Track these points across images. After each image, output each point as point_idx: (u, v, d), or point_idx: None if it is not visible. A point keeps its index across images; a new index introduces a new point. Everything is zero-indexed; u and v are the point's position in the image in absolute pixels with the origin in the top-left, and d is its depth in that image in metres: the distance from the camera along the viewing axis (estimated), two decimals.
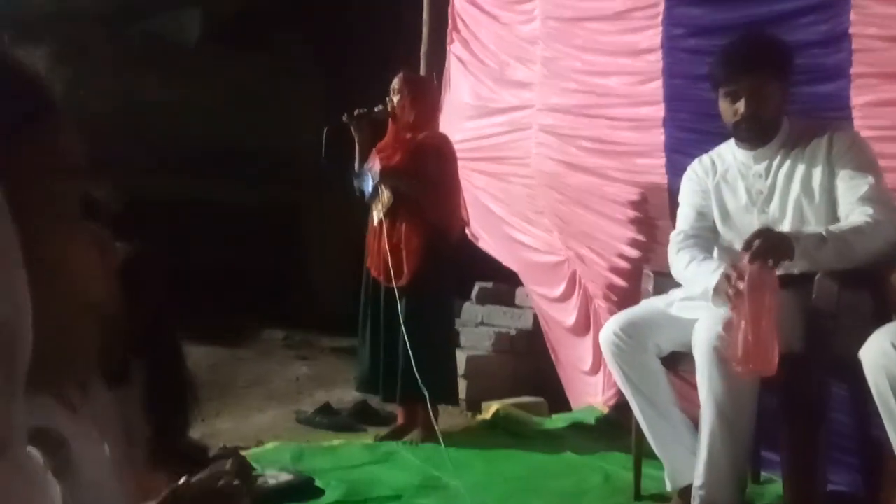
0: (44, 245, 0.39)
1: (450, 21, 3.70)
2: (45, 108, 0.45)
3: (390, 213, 2.79)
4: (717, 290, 1.82)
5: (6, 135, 0.41)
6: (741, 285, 1.69)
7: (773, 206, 1.96)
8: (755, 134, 1.97)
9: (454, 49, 3.70)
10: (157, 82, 4.85)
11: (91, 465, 0.91)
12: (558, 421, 3.02)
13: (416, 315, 2.70)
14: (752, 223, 1.98)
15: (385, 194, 2.80)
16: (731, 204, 2.04)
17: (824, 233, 1.78)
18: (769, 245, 1.71)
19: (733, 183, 2.04)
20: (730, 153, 2.07)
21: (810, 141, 1.93)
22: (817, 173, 1.90)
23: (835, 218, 1.89)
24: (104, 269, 0.44)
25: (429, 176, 2.76)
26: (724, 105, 1.98)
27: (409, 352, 2.62)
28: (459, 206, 2.90)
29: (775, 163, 1.97)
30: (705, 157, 2.13)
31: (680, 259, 2.02)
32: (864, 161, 1.88)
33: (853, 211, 1.83)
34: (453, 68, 3.69)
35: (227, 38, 5.16)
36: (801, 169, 1.93)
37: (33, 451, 0.42)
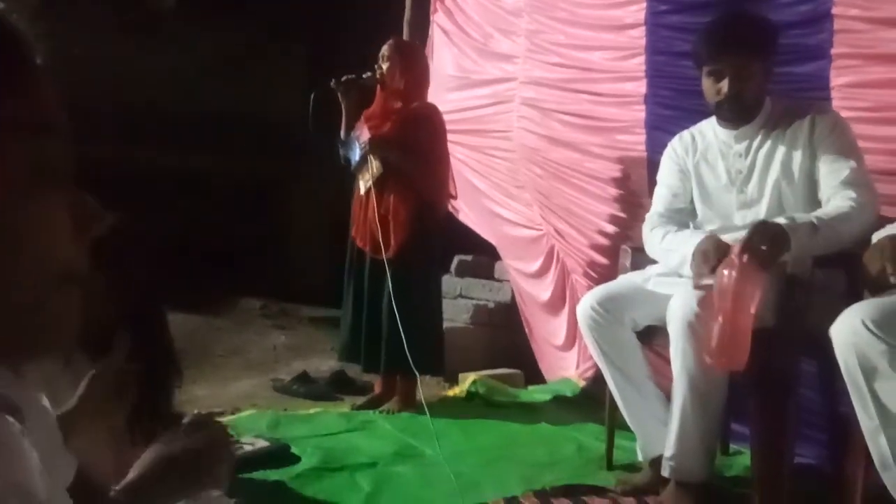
0: (10, 209, 0.38)
1: None
2: (21, 58, 0.42)
3: (378, 183, 2.74)
4: (696, 254, 1.83)
5: None
6: (726, 275, 1.68)
7: (752, 186, 1.97)
8: (737, 114, 1.97)
9: (438, 19, 3.66)
10: (134, 49, 4.73)
11: (40, 434, 0.90)
12: (534, 392, 3.07)
13: (402, 287, 2.68)
14: (731, 202, 2.00)
15: (374, 164, 2.75)
16: (711, 183, 2.05)
17: (815, 221, 1.77)
18: (768, 238, 1.70)
19: (713, 162, 2.04)
20: (711, 130, 2.07)
21: (791, 122, 1.93)
22: (798, 155, 1.91)
23: (814, 201, 1.90)
24: (80, 236, 0.42)
25: (419, 147, 2.72)
26: (707, 84, 1.98)
27: (398, 323, 2.60)
28: (448, 178, 2.86)
29: (755, 142, 1.98)
30: (685, 134, 2.13)
31: (654, 235, 2.05)
32: (845, 144, 1.89)
33: (835, 195, 1.84)
34: (437, 38, 3.65)
35: (206, 4, 5.03)
36: (781, 150, 1.94)
37: (8, 419, 0.41)
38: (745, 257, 1.68)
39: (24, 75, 0.41)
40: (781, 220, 1.77)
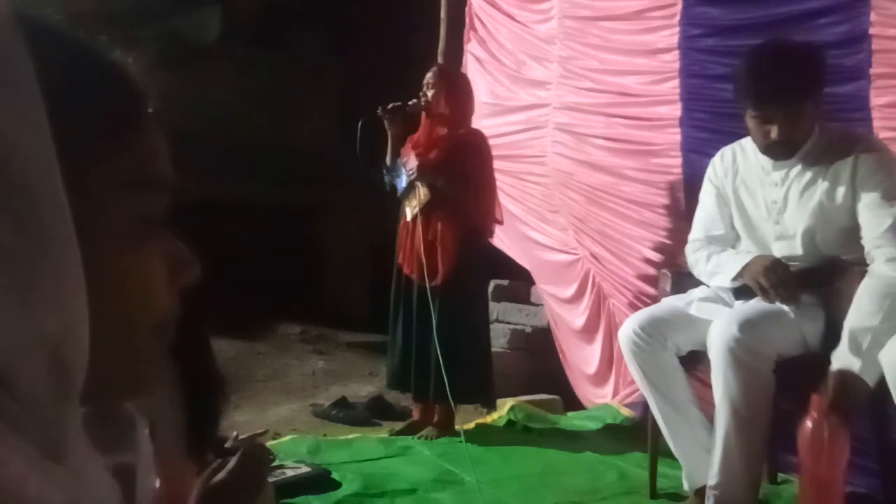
0: (114, 261, 0.38)
1: (467, 20, 3.72)
2: (137, 113, 0.42)
3: (425, 210, 2.75)
4: (742, 275, 1.80)
5: (93, 137, 0.39)
6: (810, 428, 1.62)
7: (787, 218, 1.91)
8: (788, 154, 1.87)
9: (471, 48, 3.72)
10: (177, 82, 4.90)
11: (146, 447, 0.94)
12: (574, 419, 3.04)
13: (450, 315, 2.67)
14: (768, 232, 1.95)
15: (421, 191, 2.75)
16: (751, 210, 1.99)
17: (877, 322, 1.68)
18: (849, 392, 1.65)
19: (752, 188, 1.98)
20: (752, 150, 1.98)
21: (836, 158, 1.83)
22: (839, 194, 1.83)
23: (851, 241, 1.83)
24: (173, 284, 0.42)
25: (467, 173, 2.72)
26: (752, 124, 1.87)
27: (443, 353, 2.59)
28: (495, 203, 2.85)
29: (793, 172, 1.90)
30: (727, 151, 2.05)
31: (699, 258, 2.03)
32: (890, 187, 1.78)
33: (878, 249, 1.76)
34: (470, 67, 3.70)
35: (247, 37, 5.20)
36: (820, 185, 1.86)
37: (95, 455, 0.42)
38: (832, 416, 1.62)
39: (135, 131, 0.41)
40: (855, 363, 1.65)
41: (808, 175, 1.88)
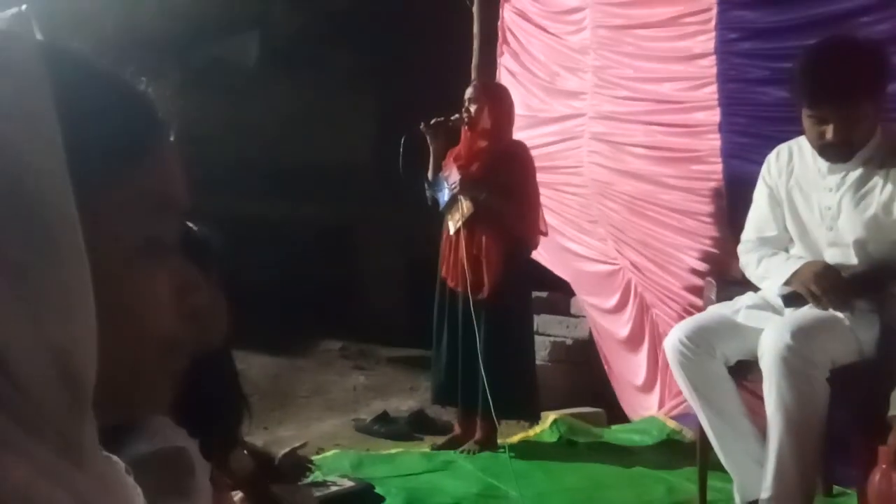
0: (116, 281, 0.39)
1: (499, 34, 3.74)
2: (153, 138, 0.43)
3: (469, 223, 2.74)
4: (792, 281, 1.74)
5: (106, 159, 0.39)
6: (878, 478, 1.50)
7: (842, 224, 1.83)
8: (844, 156, 1.78)
9: (504, 61, 3.73)
10: (217, 105, 5.04)
11: (205, 489, 0.96)
12: (618, 432, 2.99)
13: (496, 328, 2.67)
14: (822, 238, 1.88)
15: (464, 204, 2.75)
16: (805, 214, 1.91)
17: None
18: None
19: (807, 192, 1.89)
20: (809, 150, 1.87)
21: (894, 163, 1.76)
22: (893, 208, 1.75)
23: None
24: (181, 306, 0.43)
25: (510, 185, 2.72)
26: (807, 125, 1.78)
27: (490, 367, 2.58)
28: (539, 215, 2.83)
29: (849, 178, 1.80)
30: (784, 150, 1.95)
31: (750, 260, 1.97)
32: None
33: None
34: (503, 80, 3.71)
35: (285, 59, 5.31)
36: (878, 196, 1.77)
37: (113, 458, 0.43)
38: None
39: (150, 156, 0.42)
40: None
41: (865, 183, 1.79)
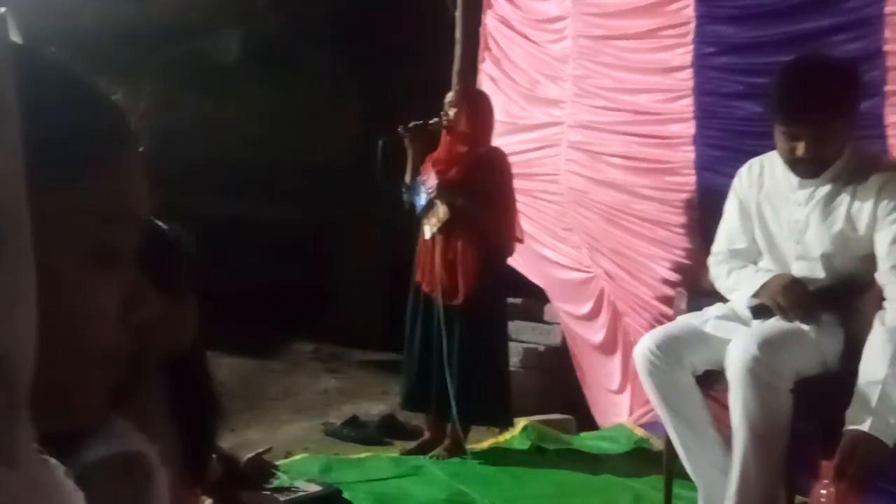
0: (57, 291, 0.38)
1: (481, 40, 3.75)
2: (119, 147, 0.42)
3: (445, 228, 2.74)
4: (760, 293, 1.77)
5: (63, 164, 0.39)
6: (824, 495, 1.56)
7: (809, 238, 1.85)
8: (814, 172, 1.80)
9: (486, 67, 3.74)
10: (196, 101, 4.98)
11: (163, 495, 0.94)
12: (587, 439, 3.00)
13: (471, 335, 2.66)
14: (789, 252, 1.90)
15: (440, 209, 2.74)
16: (774, 228, 1.93)
17: (883, 375, 1.61)
18: (865, 455, 1.57)
19: (776, 205, 1.91)
20: (780, 165, 1.89)
21: (862, 180, 1.77)
22: (862, 224, 1.76)
23: (873, 267, 1.77)
24: (127, 318, 0.42)
25: (487, 192, 2.72)
26: (779, 140, 1.80)
27: (463, 373, 2.58)
28: (515, 222, 2.84)
29: (818, 193, 1.82)
30: (755, 163, 1.98)
31: (720, 273, 1.99)
32: None
33: (889, 283, 1.71)
34: (485, 86, 3.72)
35: (266, 58, 5.28)
36: (844, 212, 1.79)
37: (51, 461, 0.42)
38: (841, 483, 1.55)
39: (108, 164, 0.41)
40: (865, 420, 1.59)
41: (833, 198, 1.81)
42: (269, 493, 1.94)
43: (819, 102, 1.71)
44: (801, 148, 1.75)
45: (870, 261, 1.80)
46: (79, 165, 0.40)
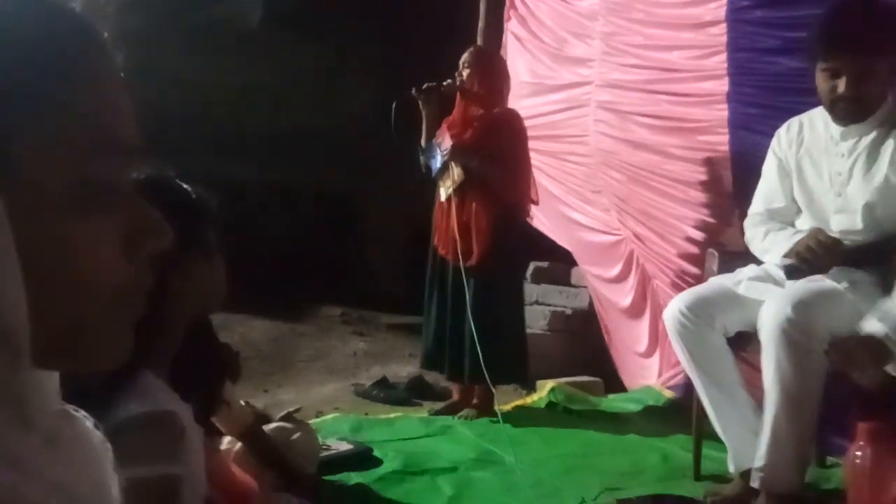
0: (51, 227, 0.36)
1: None
2: (85, 68, 0.38)
3: (459, 190, 2.74)
4: (792, 253, 1.76)
5: (29, 94, 0.36)
6: (859, 456, 1.59)
7: (851, 190, 1.83)
8: (854, 115, 1.79)
9: (511, 26, 3.67)
10: (220, 66, 4.97)
11: (197, 451, 0.96)
12: (615, 401, 3.01)
13: (485, 296, 2.67)
14: (829, 205, 1.88)
15: (455, 171, 2.74)
16: (813, 181, 1.91)
17: None
18: (867, 352, 1.60)
19: (817, 159, 1.90)
20: (821, 121, 1.89)
21: None
22: None
23: None
24: (137, 254, 0.40)
25: (501, 153, 2.71)
26: (820, 79, 1.79)
27: (478, 333, 2.59)
28: (530, 184, 2.82)
29: (862, 143, 1.80)
30: (794, 122, 1.97)
31: (756, 232, 1.98)
32: None
33: None
34: (510, 46, 3.66)
35: (288, 22, 5.23)
36: (886, 158, 1.77)
37: (79, 414, 0.41)
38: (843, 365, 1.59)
39: (82, 89, 0.38)
40: (880, 328, 1.63)
41: (878, 146, 1.80)
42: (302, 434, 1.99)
43: (861, 35, 1.71)
44: (842, 84, 1.74)
45: None
46: (44, 91, 0.36)
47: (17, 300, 0.33)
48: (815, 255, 1.75)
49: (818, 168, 1.90)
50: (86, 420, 0.43)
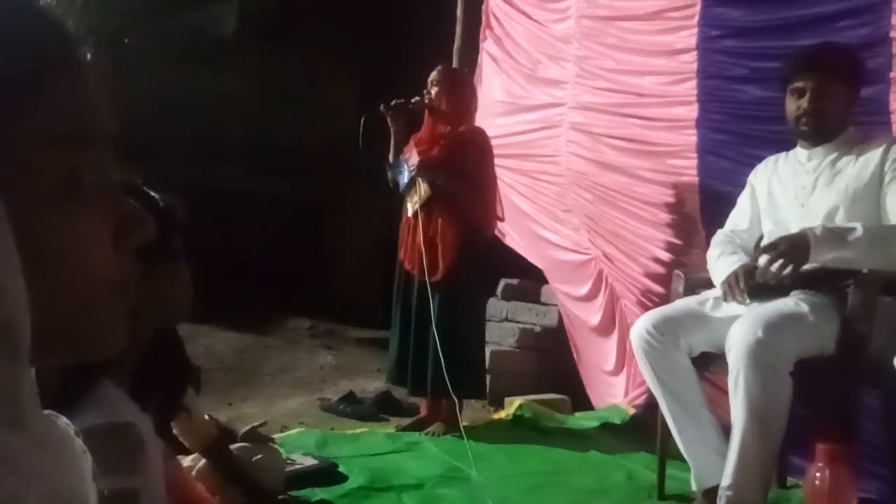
0: (43, 219, 0.37)
1: (483, 18, 3.71)
2: (62, 61, 0.39)
3: (426, 206, 2.77)
4: (724, 281, 1.92)
5: (8, 89, 0.36)
6: (818, 477, 1.68)
7: (813, 201, 1.97)
8: (815, 131, 1.98)
9: (487, 46, 3.71)
10: (193, 74, 4.93)
11: (156, 464, 0.94)
12: (581, 419, 3.03)
13: (448, 311, 2.70)
14: (792, 217, 2.00)
15: (422, 187, 2.78)
16: (779, 196, 2.07)
17: (857, 225, 1.80)
18: (787, 242, 1.77)
19: (785, 179, 2.07)
20: (794, 155, 2.10)
21: (867, 148, 1.94)
22: (867, 175, 1.90)
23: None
24: (122, 243, 0.41)
25: (467, 170, 2.75)
26: (789, 102, 2.02)
27: (441, 348, 2.61)
28: (495, 201, 2.88)
29: (825, 161, 1.99)
30: (772, 157, 2.16)
31: (713, 252, 2.10)
32: None
33: None
34: (485, 65, 3.70)
35: (264, 32, 5.22)
36: (849, 171, 1.94)
37: (60, 419, 0.42)
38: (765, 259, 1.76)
39: (60, 81, 0.38)
40: (818, 230, 1.81)
41: (839, 162, 1.97)
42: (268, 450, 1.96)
43: (824, 57, 1.97)
44: (805, 101, 1.95)
45: (870, 220, 1.87)
46: (21, 88, 0.37)
47: (19, 294, 0.33)
48: (730, 290, 1.92)
49: (785, 185, 2.06)
50: (68, 427, 0.42)
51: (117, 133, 0.41)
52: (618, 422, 2.92)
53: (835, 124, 1.97)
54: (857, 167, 1.92)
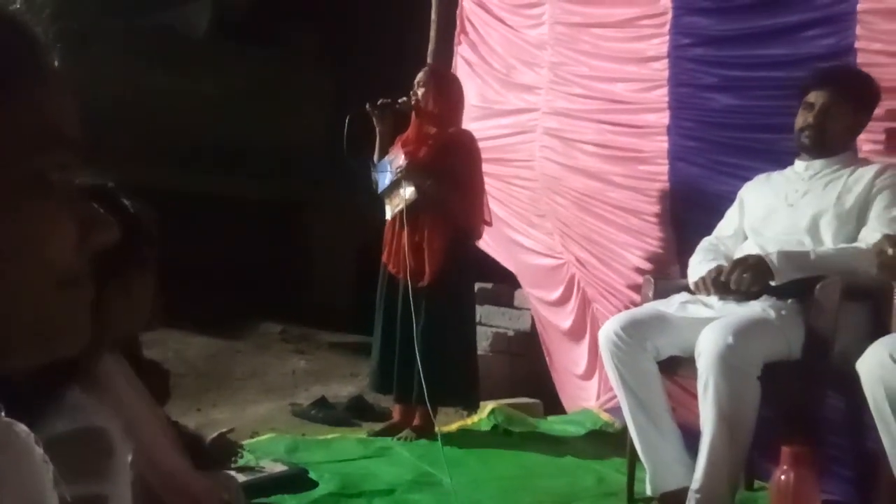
0: (4, 219, 0.37)
1: (458, 23, 3.72)
2: (31, 65, 0.40)
3: (412, 210, 2.71)
4: (696, 280, 1.97)
5: None
6: (782, 478, 1.70)
7: (805, 201, 2.02)
8: (814, 143, 2.03)
9: (461, 51, 3.72)
10: (165, 75, 4.86)
11: (126, 470, 0.92)
12: (553, 423, 3.04)
13: (436, 316, 2.66)
14: (781, 213, 2.05)
15: (407, 190, 2.72)
16: (769, 199, 2.11)
17: (809, 251, 1.87)
18: (748, 267, 1.82)
19: (776, 185, 2.12)
20: (791, 168, 2.15)
21: (865, 170, 2.00)
22: (858, 187, 1.96)
23: (851, 238, 1.93)
24: (83, 244, 0.41)
25: (455, 173, 2.71)
26: (799, 116, 2.08)
27: (427, 355, 2.57)
28: (483, 205, 2.84)
29: (821, 172, 2.05)
30: (764, 174, 2.21)
31: (695, 257, 2.14)
32: None
33: (873, 233, 1.84)
34: (460, 70, 3.70)
35: (236, 32, 5.17)
36: (840, 183, 1.99)
37: (19, 425, 0.41)
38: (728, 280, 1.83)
39: (24, 85, 0.39)
40: (774, 256, 1.86)
41: (833, 175, 2.03)
42: (230, 472, 1.93)
43: (838, 78, 2.06)
44: (811, 116, 2.01)
45: (847, 230, 1.93)
46: None
47: None
48: (702, 284, 1.98)
49: (776, 189, 2.11)
50: (28, 436, 0.42)
51: (83, 136, 0.42)
52: (589, 426, 2.93)
53: (836, 142, 2.02)
54: (850, 182, 1.98)
